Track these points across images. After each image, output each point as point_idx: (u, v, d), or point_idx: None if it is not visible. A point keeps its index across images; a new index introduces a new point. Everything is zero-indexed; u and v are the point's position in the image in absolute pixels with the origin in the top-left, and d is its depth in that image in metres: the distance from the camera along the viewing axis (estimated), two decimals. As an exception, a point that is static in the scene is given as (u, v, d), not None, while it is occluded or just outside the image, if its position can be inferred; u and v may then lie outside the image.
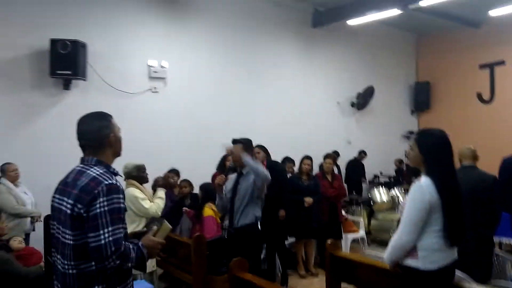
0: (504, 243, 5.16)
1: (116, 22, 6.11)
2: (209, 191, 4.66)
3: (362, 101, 9.19)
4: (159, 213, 3.95)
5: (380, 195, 6.91)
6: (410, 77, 10.76)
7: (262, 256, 4.76)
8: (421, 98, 10.52)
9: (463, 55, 9.88)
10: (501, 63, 9.32)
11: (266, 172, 3.67)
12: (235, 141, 3.85)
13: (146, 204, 3.94)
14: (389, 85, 10.05)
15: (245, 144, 3.81)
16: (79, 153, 1.97)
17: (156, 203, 4.03)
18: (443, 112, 10.19)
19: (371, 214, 7.15)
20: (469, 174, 3.20)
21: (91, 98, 5.76)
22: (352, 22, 7.94)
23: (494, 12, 7.59)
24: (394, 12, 7.27)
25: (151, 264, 3.83)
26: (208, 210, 4.53)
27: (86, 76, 5.65)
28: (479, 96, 9.74)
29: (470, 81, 9.84)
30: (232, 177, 3.93)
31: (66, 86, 5.60)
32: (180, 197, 5.02)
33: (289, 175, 5.69)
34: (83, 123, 1.93)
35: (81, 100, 5.66)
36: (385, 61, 10.01)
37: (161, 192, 4.16)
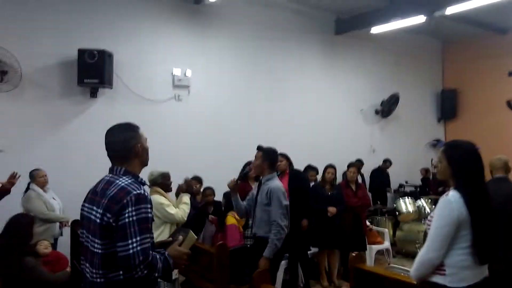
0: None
1: (141, 32, 6.24)
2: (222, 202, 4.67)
3: (387, 108, 9.06)
4: (185, 218, 3.94)
5: (406, 205, 6.76)
6: (436, 84, 10.54)
7: (284, 266, 4.73)
8: (448, 106, 10.29)
9: (491, 62, 9.61)
10: (531, 70, 9.04)
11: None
12: (259, 148, 3.81)
13: (172, 210, 3.95)
14: (415, 93, 9.87)
15: (265, 152, 3.75)
16: (105, 160, 2.00)
17: (181, 209, 4.03)
18: (470, 121, 9.94)
19: (396, 225, 7.00)
20: (501, 187, 3.09)
21: (117, 106, 5.89)
22: (376, 29, 7.86)
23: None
24: (419, 19, 7.16)
25: (174, 272, 3.84)
26: (231, 219, 4.53)
27: (112, 84, 5.78)
28: (509, 104, 9.44)
29: (498, 89, 9.56)
30: (256, 185, 3.91)
31: (93, 94, 5.75)
32: (203, 204, 5.05)
33: (312, 184, 5.63)
34: (111, 135, 1.97)
35: (107, 108, 5.79)
36: (411, 68, 9.85)
37: (186, 198, 4.15)
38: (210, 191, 4.99)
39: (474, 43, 9.78)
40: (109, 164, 2.00)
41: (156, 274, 1.80)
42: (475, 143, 2.38)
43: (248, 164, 5.54)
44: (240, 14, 7.25)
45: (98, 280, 1.81)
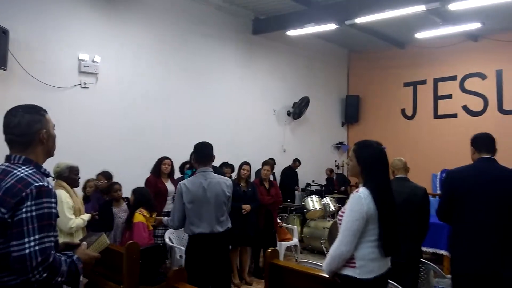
0: (425, 251, 5.53)
1: (44, 10, 5.63)
2: (142, 196, 4.44)
3: (298, 110, 9.42)
4: (73, 232, 3.63)
5: (313, 203, 7.10)
6: (342, 90, 11.26)
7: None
8: (351, 111, 11.06)
9: (390, 72, 10.58)
10: (423, 82, 10.12)
11: (169, 224, 3.79)
12: None
13: (70, 214, 3.62)
14: (323, 97, 10.43)
15: (194, 148, 3.80)
16: (3, 150, 1.73)
17: (79, 220, 3.74)
18: (370, 126, 10.80)
19: (303, 222, 7.30)
20: (402, 186, 3.36)
21: (11, 90, 5.25)
22: (291, 32, 8.13)
23: (420, 35, 8.22)
24: (330, 26, 7.57)
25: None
26: (139, 216, 4.28)
27: (6, 65, 5.12)
28: (403, 112, 10.47)
29: (395, 98, 10.55)
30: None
31: (-18, 75, 5.04)
32: (108, 200, 4.72)
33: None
34: (11, 115, 1.71)
35: (0, 92, 5.12)
36: (320, 73, 10.39)
37: (88, 216, 3.89)
38: (118, 186, 4.68)
39: (376, 54, 10.66)
40: (6, 153, 1.74)
41: (59, 279, 1.59)
42: (381, 144, 2.54)
43: (162, 160, 5.35)
44: (158, 3, 6.96)
45: None
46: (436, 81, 9.94)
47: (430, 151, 9.63)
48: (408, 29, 8.64)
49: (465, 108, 9.51)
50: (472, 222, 2.84)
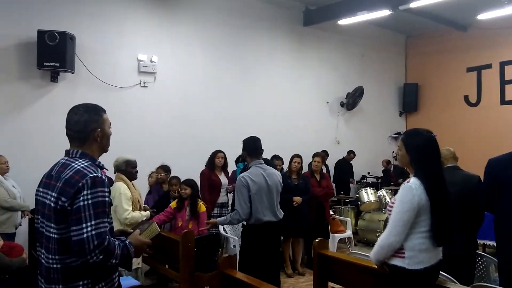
0: (487, 244, 5.24)
1: (105, 15, 6.03)
2: (197, 188, 4.66)
3: (352, 101, 9.23)
4: (131, 222, 3.76)
5: (368, 195, 6.96)
6: (399, 78, 10.84)
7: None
8: (409, 100, 10.61)
9: (451, 57, 10.00)
10: (488, 66, 9.46)
11: (233, 219, 3.78)
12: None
13: (128, 206, 3.81)
14: (379, 86, 10.12)
15: (243, 144, 3.94)
16: (67, 146, 1.93)
17: (137, 214, 3.89)
18: (430, 114, 10.30)
19: (358, 214, 7.20)
20: (453, 175, 3.21)
21: (79, 91, 5.69)
22: (343, 22, 7.97)
23: (482, 16, 7.70)
24: (384, 12, 7.32)
25: (136, 261, 3.78)
26: (203, 206, 4.56)
27: (74, 68, 5.57)
28: (466, 99, 9.87)
29: (457, 84, 9.96)
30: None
31: (54, 78, 5.52)
32: (166, 191, 4.99)
33: (278, 173, 5.67)
34: (73, 113, 1.88)
35: (68, 93, 5.59)
36: (375, 61, 10.07)
37: (147, 213, 4.06)
38: (176, 180, 4.93)
39: (435, 39, 10.11)
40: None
41: (114, 261, 1.74)
42: (432, 131, 2.45)
43: (216, 153, 5.53)
44: (208, 0, 7.15)
45: (55, 266, 1.75)
46: (502, 64, 9.23)
47: (496, 139, 8.98)
48: (469, 10, 8.11)
49: (536, 92, 8.78)
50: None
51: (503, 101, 9.28)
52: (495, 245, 5.08)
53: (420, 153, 2.34)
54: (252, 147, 3.88)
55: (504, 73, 9.25)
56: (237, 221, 3.82)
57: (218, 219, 4.01)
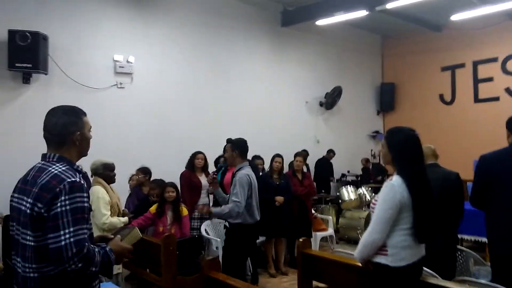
0: (465, 239, 5.36)
1: (80, 15, 5.88)
2: (178, 191, 4.60)
3: (330, 100, 9.32)
4: (106, 229, 3.66)
5: (348, 193, 7.02)
6: (376, 78, 11.01)
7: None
8: (386, 99, 10.79)
9: (426, 57, 10.22)
10: (462, 66, 9.71)
11: (232, 211, 3.78)
12: (228, 141, 4.06)
13: (106, 210, 3.71)
14: (356, 86, 10.24)
15: (233, 143, 3.98)
16: (41, 150, 1.85)
17: (115, 219, 3.79)
18: (407, 113, 10.50)
19: (339, 212, 7.25)
20: (433, 172, 3.26)
21: (52, 92, 5.53)
22: (321, 22, 8.02)
23: (455, 17, 7.88)
24: (361, 13, 7.41)
25: (116, 267, 3.68)
26: (185, 210, 4.51)
27: (47, 70, 5.41)
28: (441, 98, 10.11)
29: (432, 83, 10.19)
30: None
31: (26, 80, 5.34)
32: (155, 197, 4.90)
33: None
34: (51, 115, 1.80)
35: (42, 95, 5.42)
36: (353, 61, 10.19)
37: (125, 219, 3.94)
38: (156, 184, 4.84)
39: (411, 39, 10.32)
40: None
41: (94, 269, 1.68)
42: (414, 129, 2.47)
43: (196, 154, 5.47)
44: (186, 0, 7.07)
45: (31, 275, 1.67)
46: (475, 63, 9.51)
47: (471, 136, 9.25)
48: (443, 12, 8.30)
49: (508, 90, 9.06)
50: (507, 204, 2.77)
51: (477, 99, 9.56)
52: (471, 239, 5.28)
53: (402, 151, 2.36)
54: (243, 148, 4.00)
55: (477, 72, 9.52)
56: (236, 214, 3.79)
57: (213, 209, 4.06)
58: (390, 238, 2.28)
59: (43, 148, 1.83)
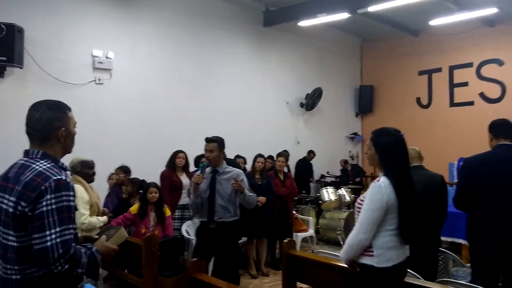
0: (444, 241, 5.47)
1: (58, 7, 5.69)
2: (161, 191, 4.52)
3: (311, 102, 9.36)
4: (84, 229, 3.57)
5: (328, 194, 7.07)
6: (355, 80, 11.14)
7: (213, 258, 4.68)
8: (365, 101, 10.94)
9: (404, 61, 10.42)
10: (438, 70, 9.95)
11: (254, 200, 3.97)
12: (209, 140, 3.85)
13: (85, 210, 3.60)
14: (336, 87, 10.34)
15: (219, 143, 3.86)
16: (16, 146, 1.76)
17: (94, 219, 3.69)
18: (385, 115, 10.67)
19: (319, 213, 7.29)
20: (418, 175, 3.30)
21: (28, 87, 5.34)
22: (303, 23, 8.06)
23: (433, 22, 8.06)
24: (343, 15, 7.48)
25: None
26: (168, 210, 4.44)
27: (22, 63, 5.21)
28: (418, 101, 10.32)
29: (410, 86, 10.39)
30: (207, 175, 3.86)
31: (0, 73, 5.13)
32: (127, 195, 4.80)
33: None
34: (35, 109, 1.72)
35: (17, 90, 5.22)
36: (333, 63, 10.28)
37: (104, 219, 3.85)
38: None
39: (390, 43, 10.50)
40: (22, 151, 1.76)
41: (80, 270, 1.62)
42: (400, 130, 2.49)
43: (177, 153, 5.38)
44: (170, -1, 6.98)
45: (13, 277, 1.59)
46: (451, 68, 9.76)
47: (446, 139, 9.49)
48: (422, 17, 8.48)
49: (482, 95, 9.33)
50: (490, 207, 2.83)
51: (452, 103, 9.80)
52: (448, 241, 5.39)
53: (388, 152, 2.36)
54: (224, 147, 3.96)
55: (453, 77, 9.76)
56: (253, 205, 3.98)
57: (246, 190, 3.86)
58: (375, 239, 2.29)
59: (24, 144, 1.74)
